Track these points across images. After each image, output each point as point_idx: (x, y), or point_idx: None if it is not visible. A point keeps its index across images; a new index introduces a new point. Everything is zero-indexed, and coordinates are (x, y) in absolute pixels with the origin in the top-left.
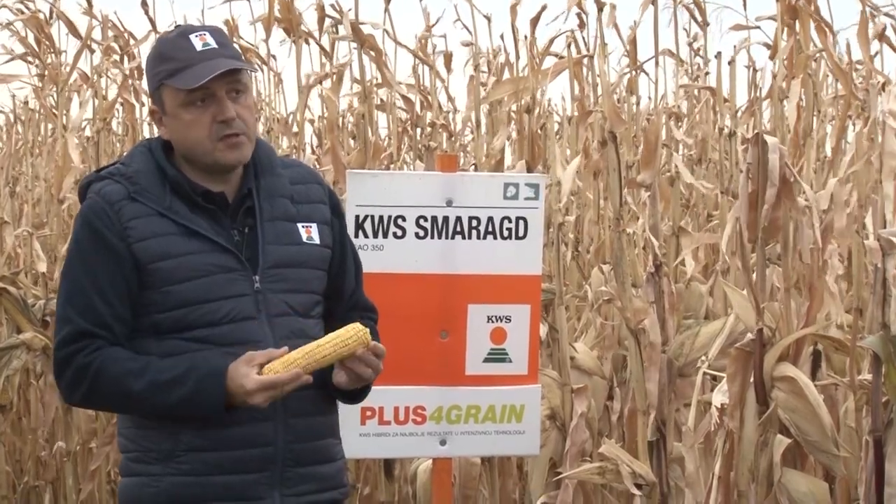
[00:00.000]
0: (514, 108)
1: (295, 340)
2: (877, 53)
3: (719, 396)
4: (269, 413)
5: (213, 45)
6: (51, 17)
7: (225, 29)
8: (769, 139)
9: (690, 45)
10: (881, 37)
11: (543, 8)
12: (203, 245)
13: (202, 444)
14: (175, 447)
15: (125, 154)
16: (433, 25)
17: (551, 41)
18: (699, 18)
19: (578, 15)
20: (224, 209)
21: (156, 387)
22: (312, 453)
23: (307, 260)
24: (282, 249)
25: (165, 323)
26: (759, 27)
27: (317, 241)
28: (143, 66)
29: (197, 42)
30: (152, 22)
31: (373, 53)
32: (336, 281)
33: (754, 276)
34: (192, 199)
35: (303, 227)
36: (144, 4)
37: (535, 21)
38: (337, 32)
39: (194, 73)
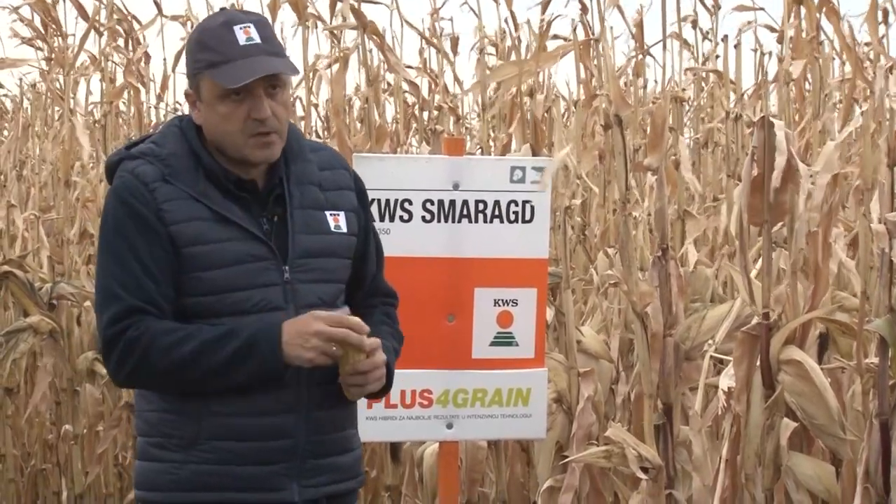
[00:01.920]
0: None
1: None
2: (883, 36)
3: (726, 380)
4: (293, 405)
5: (257, 39)
6: (57, 0)
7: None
8: (776, 122)
9: (694, 24)
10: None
11: None
12: (237, 233)
13: (226, 434)
14: (199, 435)
15: (156, 132)
16: (440, 8)
17: (549, 24)
18: (707, 2)
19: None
20: (255, 197)
21: (207, 344)
22: (332, 445)
23: (336, 249)
24: (311, 239)
25: (194, 308)
26: (763, 9)
27: (344, 229)
28: (184, 47)
29: (240, 35)
30: (158, 6)
31: (376, 38)
32: (358, 267)
33: (760, 260)
34: (225, 186)
35: (330, 215)
36: None
37: (545, 5)
38: (344, 18)
39: (235, 70)
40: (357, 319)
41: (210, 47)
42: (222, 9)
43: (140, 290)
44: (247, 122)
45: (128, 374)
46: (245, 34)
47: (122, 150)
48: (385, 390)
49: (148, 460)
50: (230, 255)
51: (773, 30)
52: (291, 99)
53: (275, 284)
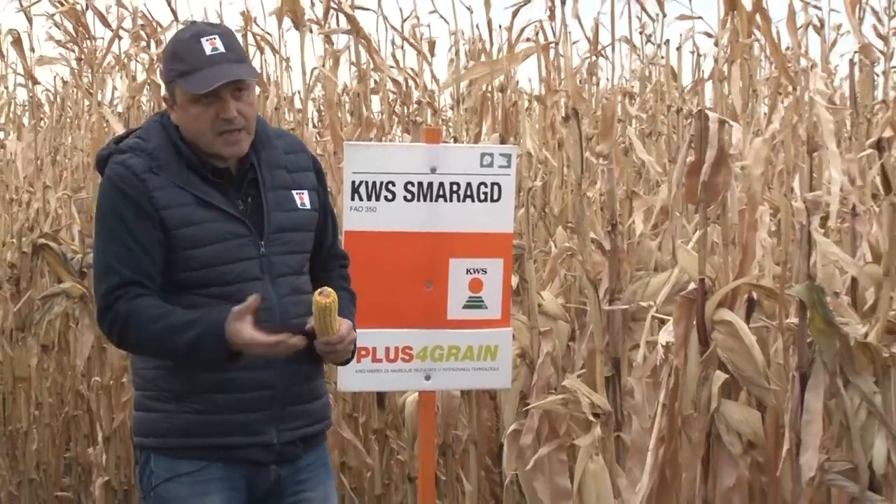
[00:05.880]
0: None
1: (293, 297)
2: (801, 38)
3: (665, 335)
4: (271, 360)
5: (222, 49)
6: (86, 8)
7: (240, 19)
8: (711, 114)
9: (642, 32)
10: (807, 26)
11: (527, 1)
12: (217, 214)
13: (214, 387)
14: (191, 388)
15: (140, 127)
16: (412, 14)
17: (522, 30)
18: (650, 10)
19: (550, 8)
20: (230, 182)
21: (171, 329)
22: (304, 394)
23: (303, 224)
24: (283, 216)
25: (188, 281)
26: (701, 17)
27: (308, 206)
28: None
29: (207, 46)
30: (174, 13)
31: (364, 42)
32: (319, 237)
33: (697, 233)
34: (203, 175)
35: (296, 194)
36: None
37: (515, 13)
38: (339, 23)
39: (202, 78)
40: (276, 339)
41: (181, 58)
42: (192, 22)
43: (133, 263)
44: (216, 122)
45: (117, 341)
46: (211, 45)
47: (112, 145)
48: (350, 358)
49: (145, 411)
50: (214, 234)
51: (709, 35)
52: (293, 94)
53: (252, 258)
